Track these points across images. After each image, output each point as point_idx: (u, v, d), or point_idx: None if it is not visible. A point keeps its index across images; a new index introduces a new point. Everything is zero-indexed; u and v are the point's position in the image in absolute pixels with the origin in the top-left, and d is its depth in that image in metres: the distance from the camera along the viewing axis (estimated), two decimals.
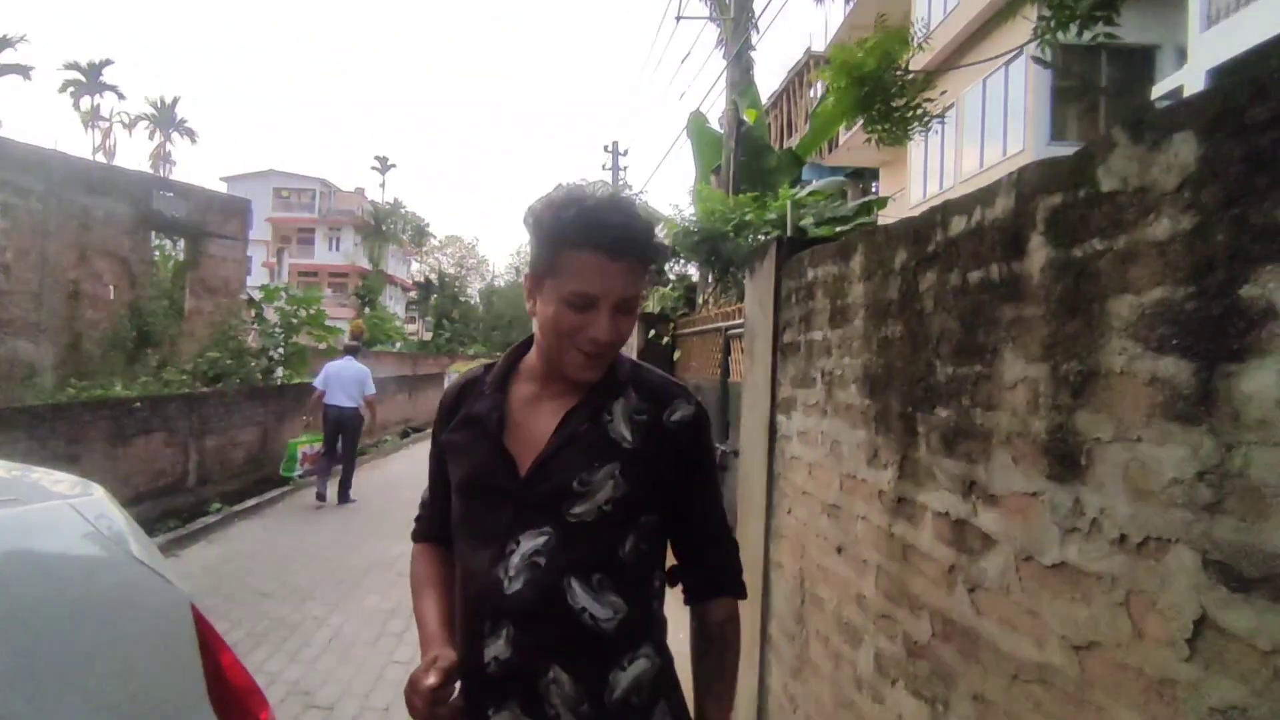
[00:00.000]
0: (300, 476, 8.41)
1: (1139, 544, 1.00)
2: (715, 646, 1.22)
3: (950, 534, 1.48)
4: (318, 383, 7.72)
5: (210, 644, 0.81)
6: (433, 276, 41.88)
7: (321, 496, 7.62)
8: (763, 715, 2.69)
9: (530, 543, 1.07)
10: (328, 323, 11.88)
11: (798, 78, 18.99)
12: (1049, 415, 1.19)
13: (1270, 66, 0.84)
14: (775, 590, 2.63)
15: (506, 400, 1.17)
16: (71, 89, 39.35)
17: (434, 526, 1.28)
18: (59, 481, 0.75)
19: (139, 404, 6.72)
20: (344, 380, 7.51)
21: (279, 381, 10.19)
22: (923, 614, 1.58)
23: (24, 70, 31.17)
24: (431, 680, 0.98)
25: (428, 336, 37.19)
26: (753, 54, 7.57)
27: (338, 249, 42.11)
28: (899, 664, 1.68)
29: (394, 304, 41.26)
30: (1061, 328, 1.17)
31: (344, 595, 5.01)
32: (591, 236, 1.03)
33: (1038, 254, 1.24)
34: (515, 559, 1.07)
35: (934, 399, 1.56)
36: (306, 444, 8.34)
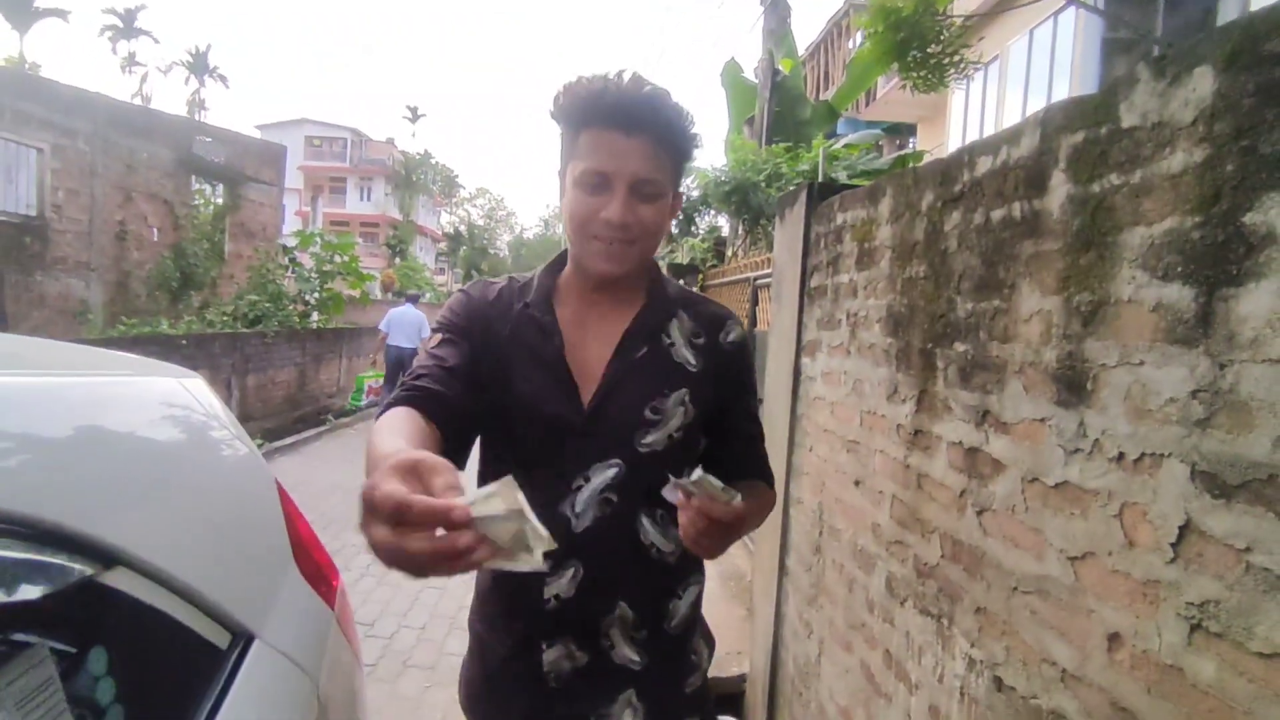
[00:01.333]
0: (365, 406, 9.87)
1: (1135, 460, 1.07)
2: (751, 487, 1.13)
3: (963, 462, 1.56)
4: (382, 326, 8.88)
5: (291, 514, 0.94)
6: (462, 228, 42.00)
7: None
8: (778, 641, 2.83)
9: (600, 477, 1.02)
10: (360, 270, 12.08)
11: (836, 28, 18.42)
12: (1059, 344, 1.26)
13: None
14: (794, 525, 2.74)
15: (557, 323, 1.08)
16: (109, 33, 39.56)
17: (430, 397, 0.96)
18: (167, 368, 0.87)
19: (184, 341, 6.98)
20: (404, 324, 8.69)
21: (315, 325, 10.45)
22: (933, 538, 1.67)
23: (62, 14, 31.35)
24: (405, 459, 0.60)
25: (456, 288, 37.48)
26: (790, 1, 7.39)
27: (369, 199, 42.34)
28: (909, 585, 1.78)
29: (424, 254, 41.57)
30: (1076, 261, 1.23)
31: None
32: (603, 111, 0.97)
33: (1058, 190, 1.28)
34: (584, 495, 1.01)
35: (953, 335, 1.63)
36: (372, 379, 9.96)
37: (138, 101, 35.62)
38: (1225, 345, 0.93)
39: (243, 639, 0.72)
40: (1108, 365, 1.14)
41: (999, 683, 1.38)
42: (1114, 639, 1.09)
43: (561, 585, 1.01)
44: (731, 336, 1.14)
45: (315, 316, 10.72)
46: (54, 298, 8.78)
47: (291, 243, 11.69)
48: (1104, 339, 1.15)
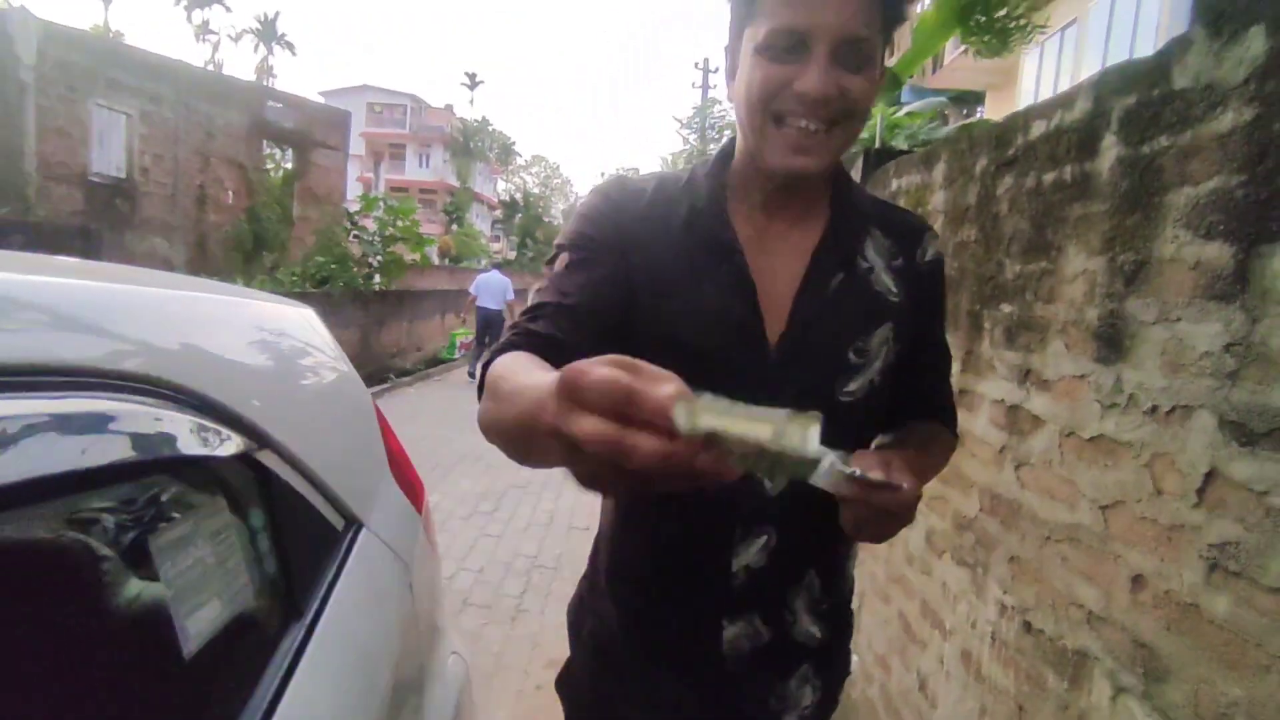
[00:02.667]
0: (459, 358, 11.46)
1: (1167, 412, 1.12)
2: (929, 431, 0.97)
3: (1004, 419, 1.62)
4: (472, 289, 10.12)
5: (385, 431, 1.07)
6: (518, 195, 42.40)
7: (471, 374, 10.18)
8: None
9: None
10: (420, 234, 12.43)
11: None
12: (1102, 303, 1.30)
13: None
14: None
15: (733, 230, 0.85)
16: (185, 2, 40.84)
17: (550, 341, 0.77)
18: (288, 301, 1.01)
19: None
20: (491, 288, 9.89)
21: (377, 287, 10.84)
22: (972, 492, 1.73)
23: None
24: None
25: (512, 255, 38.04)
26: None
27: (427, 165, 43.08)
28: (946, 537, 1.85)
29: (480, 221, 42.18)
30: (1123, 222, 1.26)
31: (440, 479, 5.51)
32: None
33: (1109, 153, 1.31)
34: None
35: (1000, 296, 1.67)
36: (463, 335, 11.39)
37: (211, 69, 36.89)
38: (1259, 300, 0.97)
39: (354, 525, 0.85)
40: (1146, 322, 1.18)
41: (1028, 626, 1.45)
42: (1137, 581, 1.15)
43: (752, 555, 0.85)
44: (930, 254, 0.93)
45: (378, 279, 11.11)
46: (141, 256, 9.33)
47: (355, 207, 12.09)
48: (1144, 297, 1.19)
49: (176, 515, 0.57)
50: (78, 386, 0.51)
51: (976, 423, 1.73)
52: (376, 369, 9.43)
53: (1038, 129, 1.57)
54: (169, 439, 0.58)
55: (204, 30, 41.28)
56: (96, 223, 8.70)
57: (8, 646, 0.45)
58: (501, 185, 47.49)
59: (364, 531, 0.87)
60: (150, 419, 0.56)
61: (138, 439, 0.54)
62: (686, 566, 0.88)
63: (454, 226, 32.87)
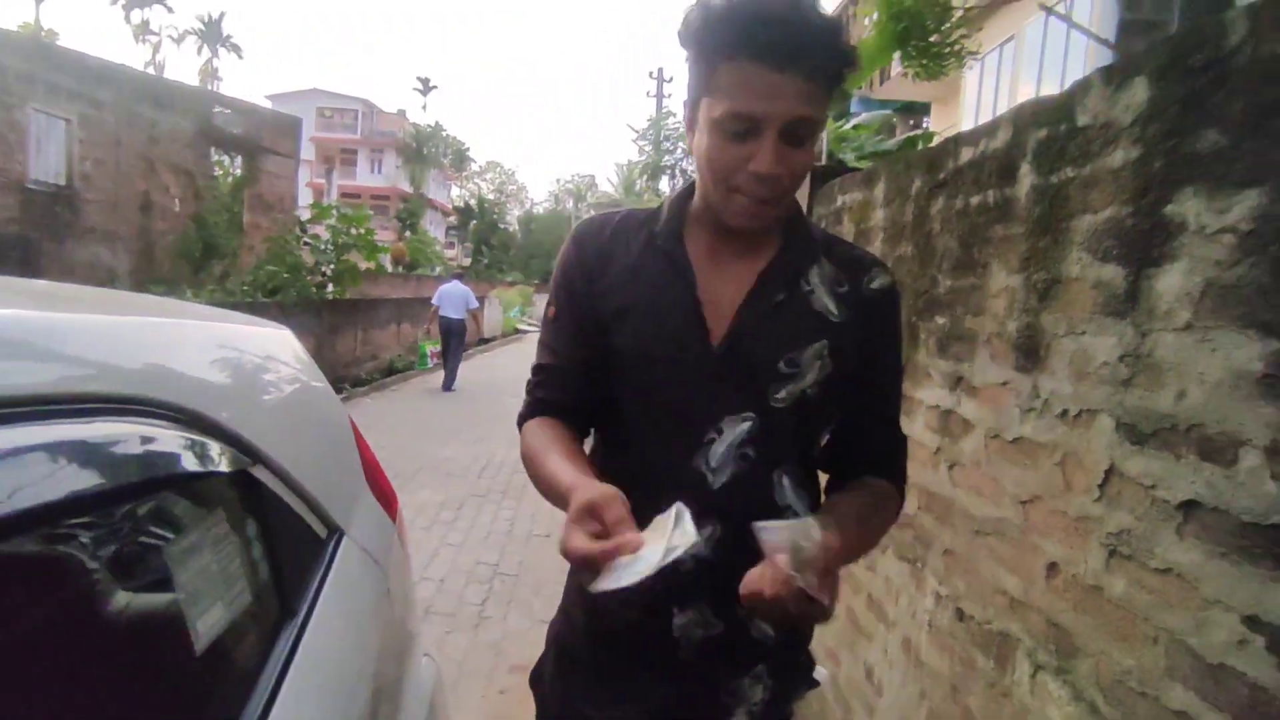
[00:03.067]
0: (432, 367, 11.67)
1: (1075, 415, 1.25)
2: (870, 492, 1.01)
3: (938, 423, 1.75)
4: (434, 300, 10.26)
5: (361, 444, 1.13)
6: (472, 202, 42.08)
7: (447, 384, 10.21)
8: None
9: (734, 430, 0.92)
10: (375, 242, 12.29)
11: (853, 3, 18.24)
12: (1020, 317, 1.43)
13: (1217, 19, 1.03)
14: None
15: (689, 256, 0.96)
16: (123, 1, 39.48)
17: (554, 404, 1.00)
18: (265, 322, 1.07)
19: None
20: (453, 298, 10.10)
21: (331, 296, 10.69)
22: (911, 491, 1.85)
23: None
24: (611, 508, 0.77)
25: (467, 262, 37.71)
26: None
27: (379, 171, 42.42)
28: (889, 534, 1.97)
29: (434, 228, 41.70)
30: (1037, 243, 1.39)
31: (399, 488, 5.46)
32: (749, 39, 0.81)
33: (1025, 180, 1.45)
34: (719, 449, 0.91)
35: (934, 309, 1.80)
36: (432, 346, 11.52)
37: (151, 71, 35.72)
38: (1147, 317, 1.10)
39: (336, 533, 0.91)
40: (1057, 335, 1.31)
41: (960, 613, 1.57)
42: (1052, 568, 1.28)
43: (699, 545, 0.87)
44: (876, 283, 0.99)
45: (331, 288, 10.94)
46: (83, 266, 9.02)
47: (307, 214, 11.88)
48: (1055, 312, 1.32)
49: (185, 527, 0.63)
50: (91, 413, 0.57)
51: (914, 426, 1.86)
52: (331, 379, 9.27)
53: (965, 154, 1.71)
54: (174, 458, 0.64)
55: (144, 31, 39.97)
56: (35, 231, 8.39)
57: (47, 648, 0.50)
58: (456, 191, 47.06)
59: (345, 539, 0.93)
60: (156, 440, 0.62)
61: (150, 458, 0.60)
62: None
63: (408, 233, 32.46)
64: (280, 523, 0.78)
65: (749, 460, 0.92)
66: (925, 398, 1.82)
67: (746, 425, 0.92)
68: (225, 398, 0.74)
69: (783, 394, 0.93)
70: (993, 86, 12.84)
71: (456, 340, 10.12)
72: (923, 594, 1.75)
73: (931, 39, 2.80)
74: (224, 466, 0.67)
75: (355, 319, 10.30)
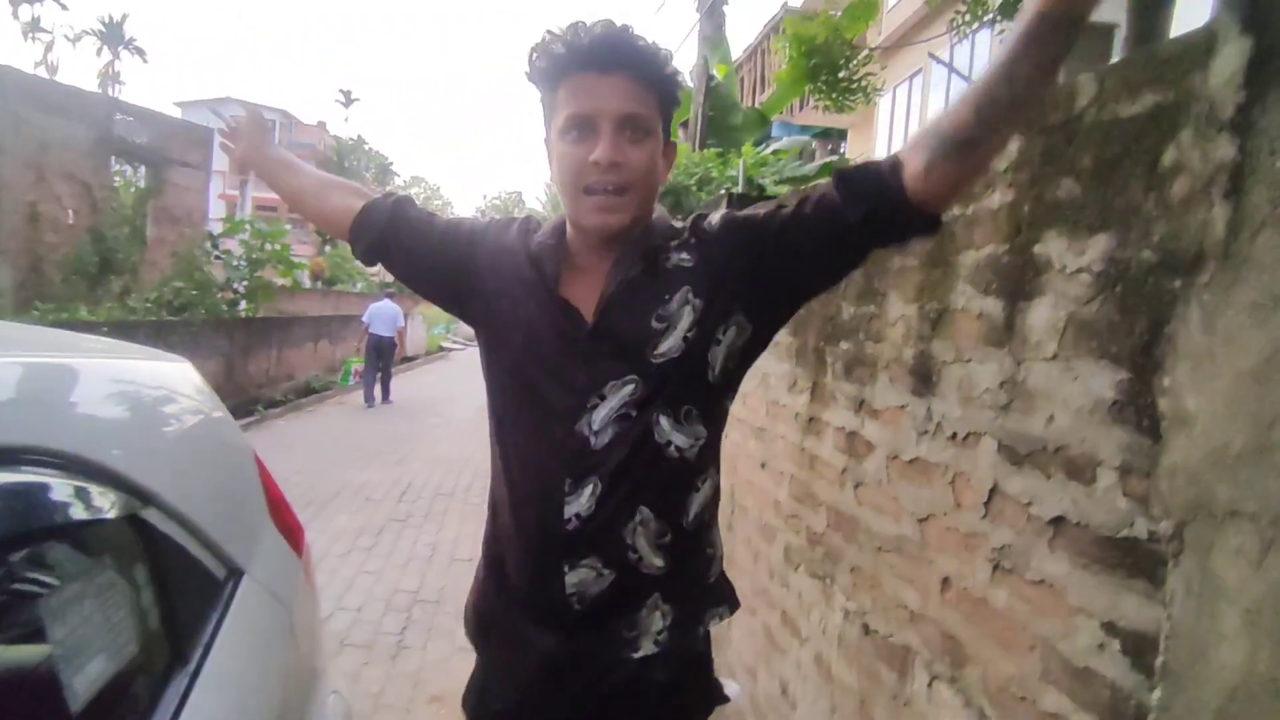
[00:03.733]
0: (353, 386, 11.76)
1: (963, 438, 1.34)
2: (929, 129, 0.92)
3: (845, 444, 1.83)
4: (364, 319, 10.62)
5: (265, 478, 1.10)
6: None
7: (369, 400, 10.44)
8: None
9: (616, 395, 0.98)
10: (291, 258, 11.84)
11: (773, 33, 18.91)
12: (915, 344, 1.52)
13: (1070, 83, 1.15)
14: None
15: (560, 265, 1.05)
16: None
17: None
18: (159, 354, 1.03)
19: (105, 328, 6.78)
20: (384, 316, 10.49)
21: (244, 314, 10.22)
22: (821, 509, 1.94)
23: None
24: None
25: (389, 277, 36.76)
26: (726, 8, 7.69)
27: None
28: (801, 552, 2.04)
29: None
30: (929, 275, 1.49)
31: (315, 515, 5.28)
32: (578, 55, 0.94)
33: None
34: (601, 413, 0.98)
35: (840, 335, 1.89)
36: (357, 363, 11.76)
37: (42, 72, 33.45)
38: (1021, 346, 1.20)
39: (236, 574, 0.89)
40: (947, 361, 1.41)
41: (866, 628, 1.64)
42: (945, 582, 1.36)
43: (581, 504, 0.98)
44: (715, 219, 1.06)
45: (243, 305, 10.47)
46: None
47: (219, 228, 11.36)
48: (945, 340, 1.42)
49: (64, 578, 0.61)
50: None
51: (824, 447, 1.94)
52: (243, 401, 8.86)
53: None
54: (53, 506, 0.62)
55: (34, 28, 37.46)
56: None
57: None
58: None
59: (245, 579, 0.91)
60: (33, 489, 0.60)
61: (24, 509, 0.58)
62: (529, 523, 1.01)
63: (327, 248, 31.39)
64: (174, 566, 0.76)
65: (630, 418, 0.98)
66: (833, 419, 1.90)
67: (629, 388, 0.98)
68: (114, 439, 0.72)
69: (661, 348, 0.98)
70: (904, 114, 13.57)
71: (387, 356, 10.67)
72: (832, 610, 1.82)
73: (840, 75, 2.95)
74: (110, 512, 0.65)
75: (269, 337, 9.89)
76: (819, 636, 1.89)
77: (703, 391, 1.03)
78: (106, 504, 0.65)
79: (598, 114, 0.94)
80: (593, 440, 0.99)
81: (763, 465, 2.40)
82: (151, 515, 0.73)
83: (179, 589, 0.76)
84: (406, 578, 4.15)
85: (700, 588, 1.11)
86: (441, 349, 19.93)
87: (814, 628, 1.92)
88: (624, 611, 1.03)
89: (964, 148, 0.86)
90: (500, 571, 1.08)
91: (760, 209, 1.07)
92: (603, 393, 0.99)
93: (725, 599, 1.16)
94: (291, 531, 1.12)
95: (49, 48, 38.20)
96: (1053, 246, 1.14)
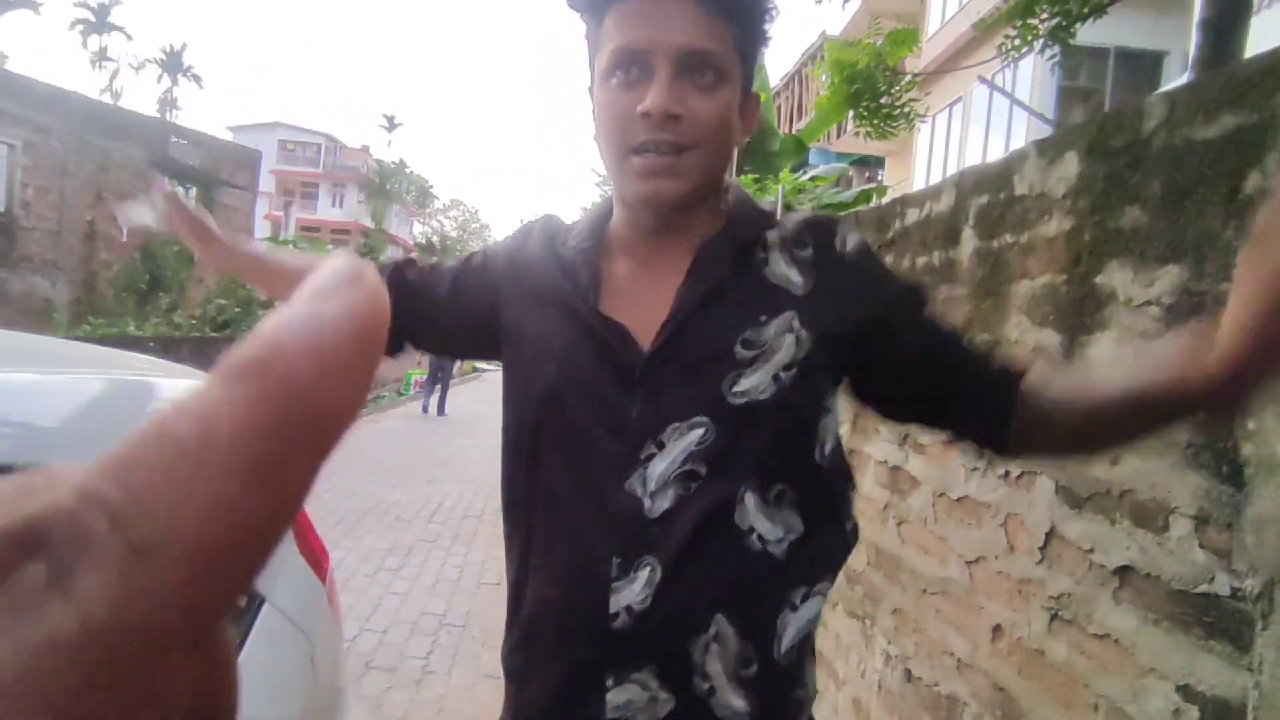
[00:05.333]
0: (414, 394, 12.61)
1: (1017, 477, 1.27)
2: (1058, 377, 0.74)
3: (887, 478, 1.76)
4: None
5: None
6: (435, 239, 42.00)
7: (425, 409, 11.25)
8: None
9: (680, 442, 0.72)
10: None
11: (810, 61, 18.97)
12: None
13: (1136, 105, 1.09)
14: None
15: (600, 273, 0.80)
16: (80, 27, 38.91)
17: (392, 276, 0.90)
18: (180, 369, 1.02)
19: (151, 343, 6.97)
20: None
21: None
22: (861, 548, 1.86)
23: (34, 5, 30.82)
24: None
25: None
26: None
27: (341, 205, 42.06)
28: (839, 590, 1.96)
29: None
30: (979, 305, 1.43)
31: (344, 534, 5.30)
32: None
33: (968, 244, 1.49)
34: (659, 466, 0.72)
35: None
36: (419, 374, 12.55)
37: (107, 98, 35.06)
38: None
39: (256, 599, 0.86)
40: None
41: (909, 674, 1.56)
42: (996, 630, 1.28)
43: (634, 593, 0.71)
44: (850, 243, 0.79)
45: None
46: (18, 296, 8.66)
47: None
48: None
49: None
50: None
51: (864, 481, 1.87)
52: None
53: (912, 216, 1.76)
54: None
55: (101, 57, 39.36)
56: None
57: None
58: (418, 228, 46.89)
59: (266, 605, 0.88)
60: None
61: None
62: (562, 614, 0.75)
63: None
64: None
65: (698, 479, 0.71)
66: (874, 452, 1.83)
67: (697, 434, 0.72)
68: None
69: (743, 385, 0.72)
70: (943, 143, 13.43)
71: (445, 370, 11.56)
72: (872, 653, 1.73)
73: (882, 100, 2.91)
74: None
75: None
76: (857, 680, 1.80)
77: (807, 469, 0.75)
78: None
79: (653, 47, 0.71)
80: (647, 504, 0.72)
81: None
82: None
83: None
84: (433, 600, 4.12)
85: None
86: (475, 369, 20.13)
87: (852, 670, 1.83)
88: None
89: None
90: (522, 693, 0.79)
91: (893, 277, 0.82)
92: (661, 439, 0.73)
93: None
94: (315, 556, 1.09)
95: (114, 75, 40.09)
96: (1117, 277, 1.07)
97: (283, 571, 0.94)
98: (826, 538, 0.76)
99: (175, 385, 0.96)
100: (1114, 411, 0.66)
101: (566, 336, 0.77)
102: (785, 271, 0.76)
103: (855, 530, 0.79)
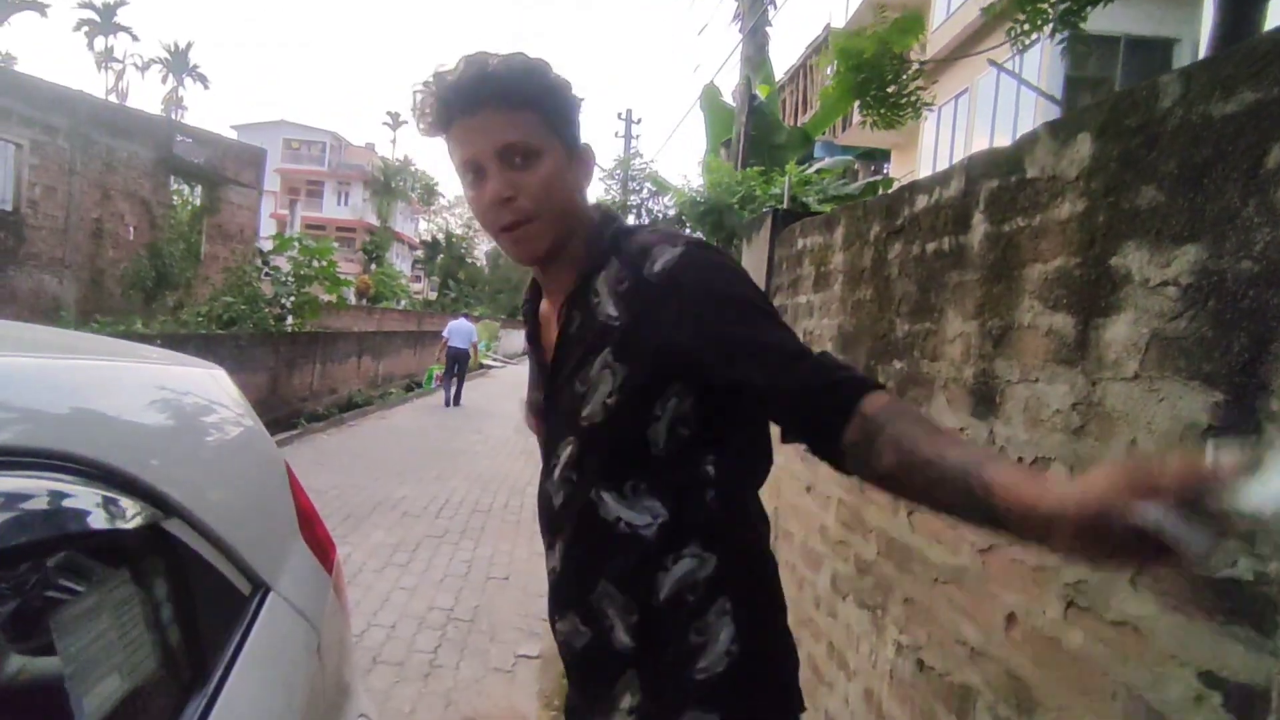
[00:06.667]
0: (435, 388, 13.69)
1: (1030, 463, 1.25)
2: (898, 421, 0.78)
3: None
4: (445, 333, 12.57)
5: (297, 491, 1.07)
6: (440, 236, 42.02)
7: (447, 402, 12.28)
8: None
9: (563, 455, 0.97)
10: (338, 275, 12.13)
11: (815, 53, 18.87)
12: (976, 363, 1.44)
13: (1152, 82, 1.07)
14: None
15: (536, 308, 1.08)
16: (86, 28, 39.03)
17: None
18: (195, 360, 1.01)
19: (158, 341, 6.99)
20: (460, 331, 12.51)
21: (290, 329, 10.46)
22: (871, 537, 1.84)
23: (40, 7, 30.94)
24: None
25: (433, 296, 37.46)
26: (769, 29, 7.67)
27: (346, 203, 42.12)
28: (850, 581, 1.95)
29: (400, 261, 41.41)
30: (990, 290, 1.41)
31: (352, 529, 5.31)
32: (445, 106, 0.90)
33: (978, 228, 1.47)
34: (557, 472, 0.98)
35: (892, 353, 1.81)
36: (438, 369, 13.49)
37: (113, 98, 35.16)
38: (1096, 366, 1.11)
39: (261, 589, 0.85)
40: (1011, 381, 1.32)
41: (921, 664, 1.54)
42: (1010, 618, 1.26)
43: (554, 559, 1.00)
44: (658, 265, 0.89)
45: (290, 320, 10.71)
46: (26, 294, 8.71)
47: (269, 246, 11.69)
48: (1009, 359, 1.33)
49: (79, 590, 0.57)
50: None
51: None
52: (286, 414, 9.03)
53: (921, 202, 1.73)
54: (76, 515, 0.59)
55: (107, 57, 39.47)
56: None
57: None
58: (423, 225, 46.89)
59: (271, 595, 0.87)
60: (57, 495, 0.57)
61: (43, 516, 0.55)
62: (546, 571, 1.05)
63: (373, 266, 32.16)
64: (196, 580, 0.72)
65: (571, 482, 0.97)
66: None
67: (568, 450, 0.97)
68: (137, 445, 0.69)
69: (586, 411, 0.93)
70: (949, 135, 13.34)
71: (462, 365, 12.55)
72: (884, 643, 1.72)
73: (889, 90, 2.88)
74: (130, 522, 0.62)
75: (314, 352, 10.09)
76: (869, 671, 1.79)
77: (648, 465, 0.91)
78: (126, 513, 0.62)
79: (479, 155, 0.91)
80: (555, 499, 1.00)
81: (808, 489, 2.31)
82: (174, 526, 0.70)
83: (201, 604, 0.73)
84: (441, 595, 4.12)
85: (678, 683, 0.93)
86: (483, 366, 20.15)
87: (863, 661, 1.82)
88: (601, 677, 0.99)
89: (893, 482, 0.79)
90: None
91: (719, 283, 0.89)
92: (557, 451, 0.99)
93: (722, 706, 0.92)
94: (322, 547, 1.08)
95: (120, 75, 40.21)
96: (1132, 259, 1.05)
97: (288, 561, 0.93)
98: (688, 511, 0.93)
99: (180, 373, 0.96)
100: (932, 478, 0.73)
101: (533, 370, 1.09)
102: (608, 309, 0.93)
103: (722, 496, 0.94)
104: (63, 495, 0.57)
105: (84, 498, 0.60)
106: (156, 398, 0.81)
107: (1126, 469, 0.58)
